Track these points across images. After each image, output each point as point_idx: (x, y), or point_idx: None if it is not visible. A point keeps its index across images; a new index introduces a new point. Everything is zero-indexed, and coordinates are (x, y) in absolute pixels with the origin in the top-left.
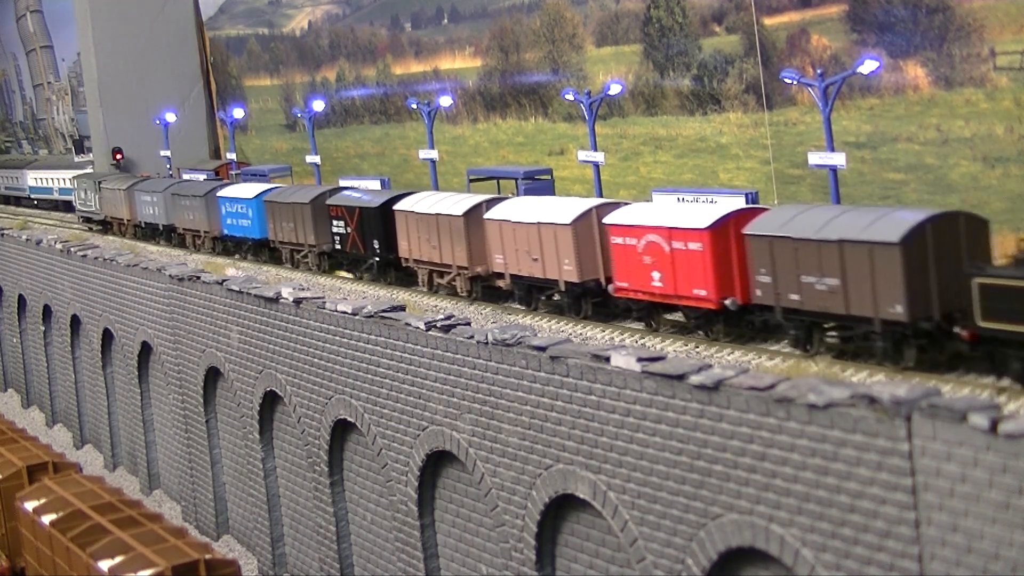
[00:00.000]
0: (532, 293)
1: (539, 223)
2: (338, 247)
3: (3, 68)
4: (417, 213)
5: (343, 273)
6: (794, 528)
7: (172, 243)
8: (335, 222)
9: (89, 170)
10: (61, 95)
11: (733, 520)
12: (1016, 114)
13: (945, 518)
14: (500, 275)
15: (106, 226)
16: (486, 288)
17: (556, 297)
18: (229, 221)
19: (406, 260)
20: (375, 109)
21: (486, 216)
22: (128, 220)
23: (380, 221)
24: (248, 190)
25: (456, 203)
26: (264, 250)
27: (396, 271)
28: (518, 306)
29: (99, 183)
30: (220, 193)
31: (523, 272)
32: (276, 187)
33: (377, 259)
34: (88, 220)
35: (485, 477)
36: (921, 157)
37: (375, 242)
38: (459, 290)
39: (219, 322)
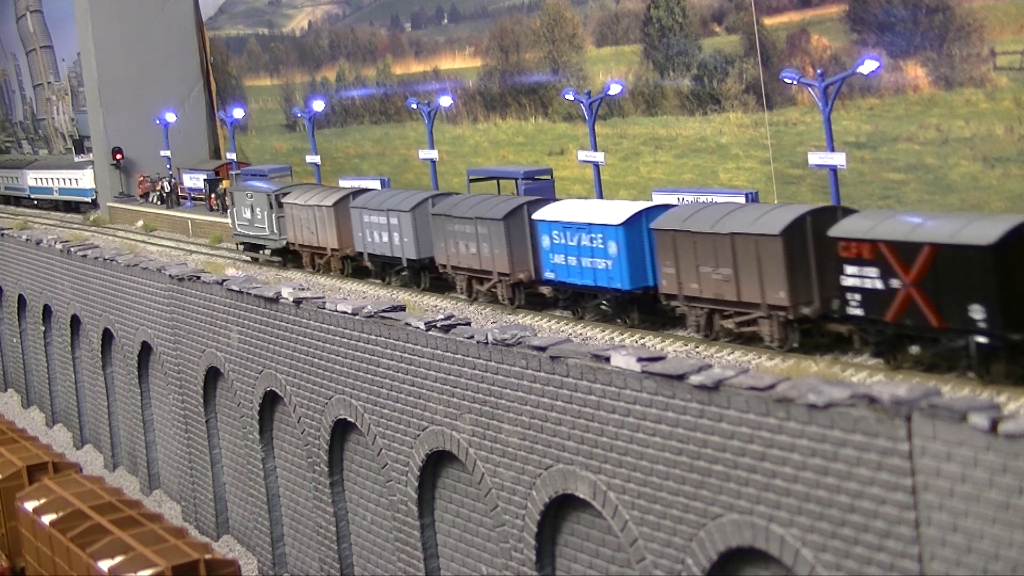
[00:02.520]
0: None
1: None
2: None
3: (3, 68)
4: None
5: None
6: (794, 528)
7: (420, 287)
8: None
9: (259, 183)
10: (61, 95)
11: (733, 520)
12: (1016, 114)
13: (945, 518)
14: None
15: (288, 257)
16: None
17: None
18: (559, 259)
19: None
20: (375, 109)
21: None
22: (336, 250)
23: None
24: (592, 209)
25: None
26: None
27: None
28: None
29: (278, 197)
30: (542, 215)
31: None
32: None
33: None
34: (253, 248)
35: (485, 477)
36: (921, 157)
37: None
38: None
39: (219, 322)
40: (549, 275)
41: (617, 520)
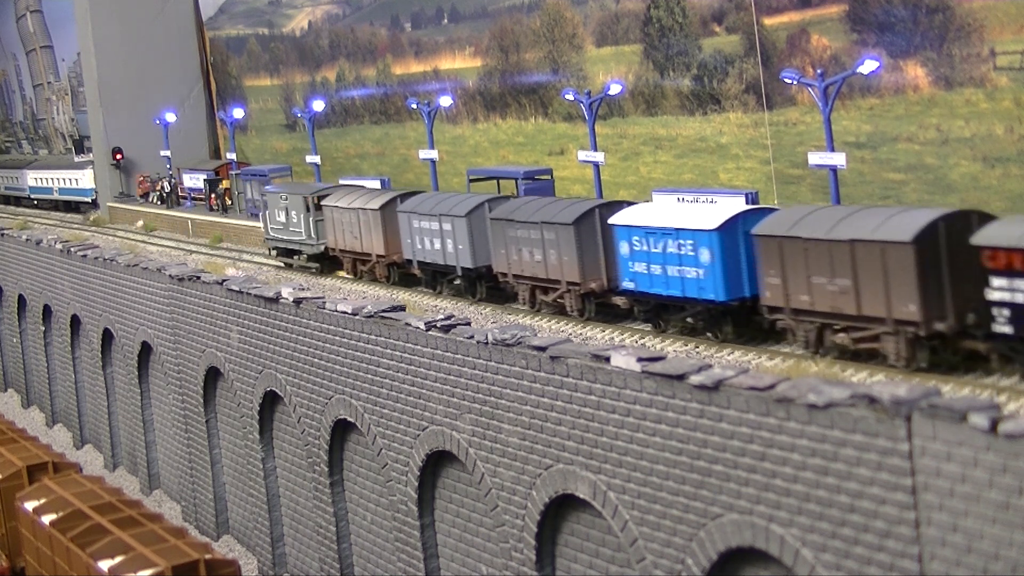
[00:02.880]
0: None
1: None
2: None
3: (3, 68)
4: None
5: None
6: (794, 528)
7: (476, 297)
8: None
9: (295, 185)
10: (61, 95)
11: (733, 520)
12: (1016, 114)
13: (945, 518)
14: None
15: (326, 263)
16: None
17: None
18: (639, 267)
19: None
20: (375, 109)
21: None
22: (381, 257)
23: None
24: (680, 213)
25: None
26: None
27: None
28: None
29: (317, 199)
30: (621, 220)
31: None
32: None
33: None
34: (287, 253)
35: (485, 477)
36: (921, 157)
37: None
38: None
39: (219, 322)
40: (628, 285)
41: (617, 520)
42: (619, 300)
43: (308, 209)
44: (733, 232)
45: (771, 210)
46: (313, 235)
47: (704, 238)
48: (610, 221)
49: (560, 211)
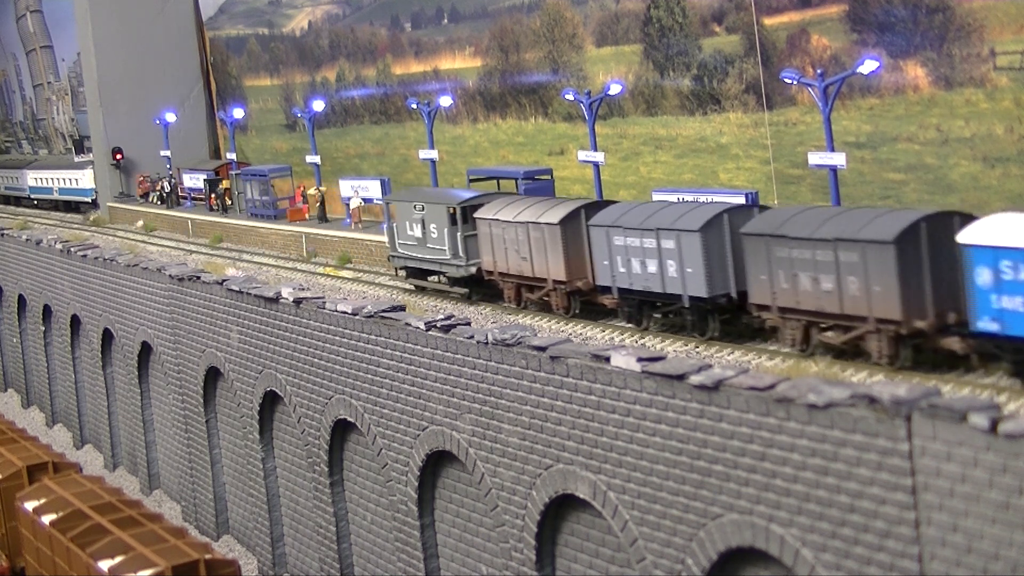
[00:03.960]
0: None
1: None
2: None
3: (3, 68)
4: None
5: None
6: (794, 528)
7: (706, 334)
8: None
9: (437, 191)
10: (61, 95)
11: (733, 520)
12: (1016, 114)
13: (945, 518)
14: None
15: (477, 289)
16: None
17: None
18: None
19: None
20: (375, 109)
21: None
22: (561, 282)
23: None
24: None
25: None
26: None
27: None
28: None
29: (467, 210)
30: (985, 238)
31: None
32: None
33: None
34: (420, 275)
35: (485, 477)
36: (921, 157)
37: None
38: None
39: (219, 322)
40: (990, 326)
41: (617, 520)
42: (956, 344)
43: (454, 222)
44: None
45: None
46: (460, 254)
47: None
48: (962, 240)
49: (869, 225)
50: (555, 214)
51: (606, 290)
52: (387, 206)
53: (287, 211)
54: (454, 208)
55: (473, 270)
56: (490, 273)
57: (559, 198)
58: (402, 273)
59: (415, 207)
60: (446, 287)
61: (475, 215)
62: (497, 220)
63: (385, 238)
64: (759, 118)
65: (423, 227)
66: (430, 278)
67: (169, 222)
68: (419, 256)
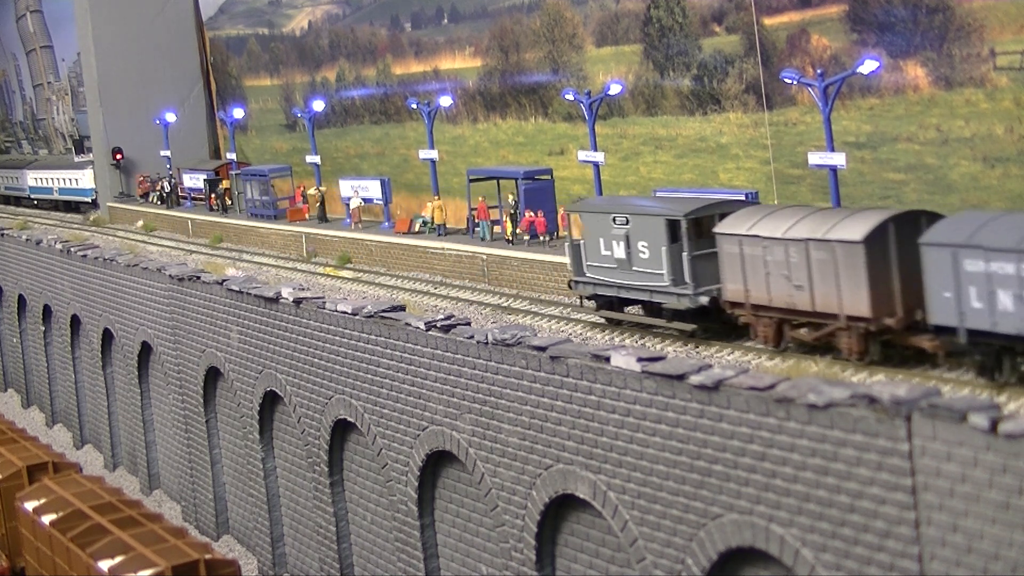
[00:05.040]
0: None
1: None
2: None
3: (3, 68)
4: None
5: None
6: (794, 528)
7: None
8: None
9: (643, 200)
10: (61, 95)
11: (733, 520)
12: (1016, 114)
13: (945, 518)
14: None
15: (708, 323)
16: None
17: None
18: None
19: None
20: (375, 109)
21: None
22: (860, 320)
23: None
24: None
25: None
26: None
27: None
28: None
29: (698, 222)
30: None
31: None
32: None
33: None
34: (616, 305)
35: (485, 477)
36: (921, 157)
37: None
38: None
39: (219, 322)
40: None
41: (617, 520)
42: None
43: (676, 238)
44: None
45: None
46: (686, 279)
47: None
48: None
49: None
50: (854, 228)
51: (944, 330)
52: (568, 217)
53: (287, 211)
54: (679, 220)
55: (704, 300)
56: (736, 305)
57: (845, 208)
58: (590, 302)
59: (615, 220)
60: (658, 321)
61: (715, 230)
62: (754, 236)
63: (569, 258)
64: (759, 118)
65: (627, 245)
66: (627, 308)
67: (169, 222)
68: (619, 282)
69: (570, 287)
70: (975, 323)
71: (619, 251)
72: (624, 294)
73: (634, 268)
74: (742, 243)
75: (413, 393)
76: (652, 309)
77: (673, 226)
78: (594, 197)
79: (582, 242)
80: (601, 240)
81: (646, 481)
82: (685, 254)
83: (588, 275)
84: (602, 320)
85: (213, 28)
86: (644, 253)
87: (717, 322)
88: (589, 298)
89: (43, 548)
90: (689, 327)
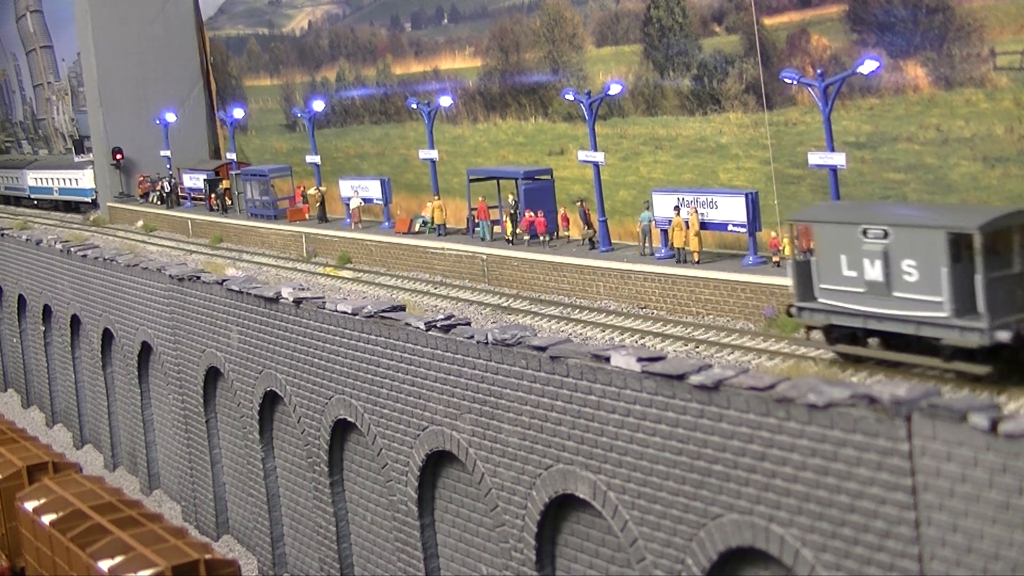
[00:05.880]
0: None
1: None
2: None
3: (3, 68)
4: None
5: None
6: (794, 528)
7: None
8: None
9: (870, 204)
10: (61, 95)
11: (733, 520)
12: (1016, 114)
13: (945, 518)
14: None
15: (1008, 364)
16: None
17: None
18: None
19: None
20: (375, 109)
21: None
22: None
23: None
24: None
25: None
26: None
27: None
28: None
29: (988, 236)
30: None
31: None
32: None
33: None
34: (859, 338)
35: (485, 477)
36: (921, 157)
37: None
38: None
39: (219, 322)
40: None
41: (617, 520)
42: None
43: (960, 257)
44: None
45: None
46: (980, 310)
47: None
48: None
49: None
50: None
51: None
52: (791, 227)
53: (287, 211)
54: (967, 234)
55: (1004, 337)
56: None
57: None
58: (817, 334)
59: (866, 232)
60: (929, 361)
61: None
62: None
63: (792, 279)
64: (759, 118)
65: (885, 264)
66: (869, 339)
67: (169, 222)
68: (873, 311)
69: (789, 314)
70: None
71: (873, 272)
72: (875, 325)
73: (895, 294)
74: None
75: (413, 393)
76: (921, 346)
77: (959, 241)
78: (830, 202)
79: (813, 260)
80: (844, 257)
81: (646, 481)
82: (979, 276)
83: (825, 301)
84: (834, 354)
85: (213, 28)
86: (911, 275)
87: (1020, 363)
88: (825, 327)
89: (43, 548)
90: (982, 369)
